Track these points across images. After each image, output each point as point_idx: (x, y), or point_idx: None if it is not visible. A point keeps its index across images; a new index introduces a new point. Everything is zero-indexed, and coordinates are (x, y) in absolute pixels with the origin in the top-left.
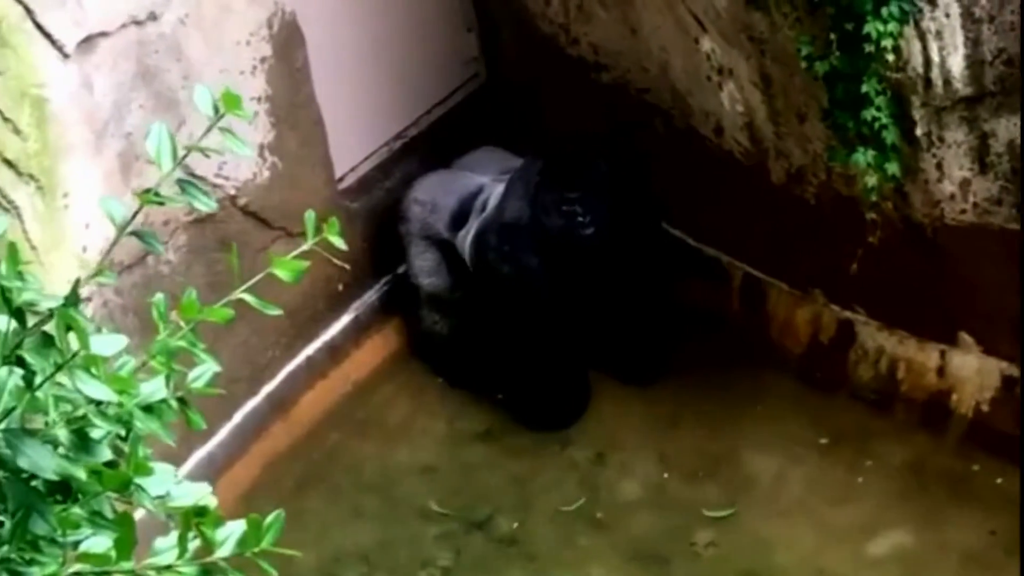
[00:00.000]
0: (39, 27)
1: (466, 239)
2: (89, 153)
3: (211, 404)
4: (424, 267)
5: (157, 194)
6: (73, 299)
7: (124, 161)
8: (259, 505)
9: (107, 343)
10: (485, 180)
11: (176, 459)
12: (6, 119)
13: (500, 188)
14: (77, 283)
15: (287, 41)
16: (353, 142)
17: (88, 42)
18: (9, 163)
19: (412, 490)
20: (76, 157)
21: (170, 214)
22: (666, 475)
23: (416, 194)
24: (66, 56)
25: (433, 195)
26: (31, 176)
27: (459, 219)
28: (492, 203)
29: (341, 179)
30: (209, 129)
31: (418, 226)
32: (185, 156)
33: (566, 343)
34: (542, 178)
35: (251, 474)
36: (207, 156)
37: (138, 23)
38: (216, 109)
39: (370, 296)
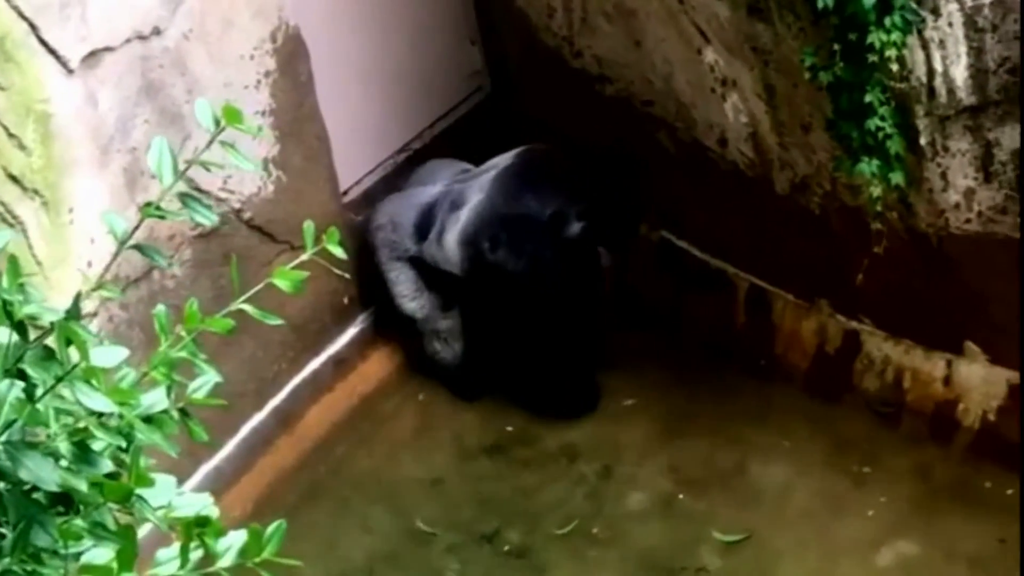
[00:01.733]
0: (43, 43)
1: (439, 243)
2: (94, 168)
3: (217, 418)
4: (405, 292)
5: (159, 208)
6: (74, 312)
7: (129, 176)
8: (266, 519)
9: (107, 355)
10: (438, 188)
11: (183, 474)
12: (11, 135)
13: (474, 184)
14: (78, 296)
15: (291, 55)
16: (357, 155)
17: (92, 57)
18: (14, 178)
19: (419, 503)
20: (81, 172)
21: (175, 228)
22: (673, 488)
23: (375, 221)
24: (70, 71)
25: (390, 215)
26: (36, 191)
27: (422, 230)
28: (475, 199)
29: (346, 192)
30: (210, 143)
31: (387, 250)
32: (186, 170)
33: (573, 335)
34: (538, 175)
35: (258, 488)
36: (208, 170)
37: (142, 38)
38: (217, 123)
39: (376, 309)
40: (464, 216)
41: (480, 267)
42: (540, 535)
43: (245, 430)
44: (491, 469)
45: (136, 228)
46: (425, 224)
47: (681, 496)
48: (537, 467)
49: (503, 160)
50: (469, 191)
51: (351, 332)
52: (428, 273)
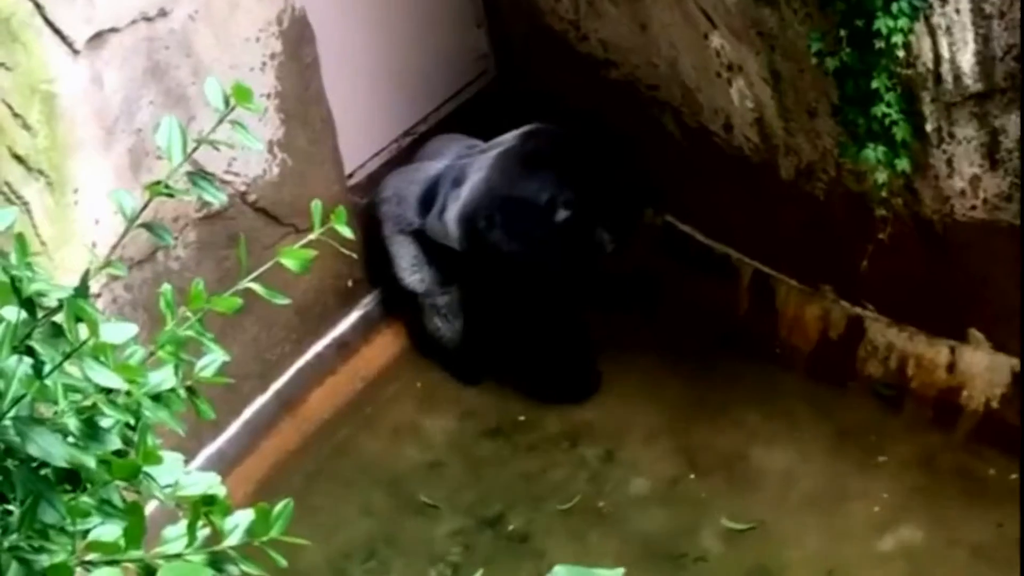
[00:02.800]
0: (49, 23)
1: (440, 218)
2: (99, 149)
3: (221, 400)
4: (406, 265)
5: (167, 186)
6: (83, 289)
7: (134, 157)
8: (268, 500)
9: (116, 331)
10: (444, 163)
11: (186, 455)
12: (16, 115)
13: (475, 162)
14: (87, 274)
15: (297, 37)
16: (363, 139)
17: (98, 38)
18: (19, 159)
19: (421, 487)
20: (86, 153)
21: (180, 210)
22: (676, 473)
23: (382, 195)
24: (76, 52)
25: (396, 189)
26: (41, 172)
27: (426, 204)
28: (475, 177)
29: (351, 176)
30: (220, 122)
31: (392, 223)
32: (195, 149)
33: (569, 319)
34: (539, 158)
35: (260, 470)
36: (217, 150)
37: (148, 19)
38: (227, 102)
39: (380, 293)
40: (464, 194)
41: (477, 245)
42: (542, 519)
43: (248, 412)
44: (493, 453)
45: (145, 207)
46: (429, 199)
47: (684, 481)
48: (539, 451)
49: (508, 139)
50: (470, 169)
51: (355, 315)
52: (431, 248)
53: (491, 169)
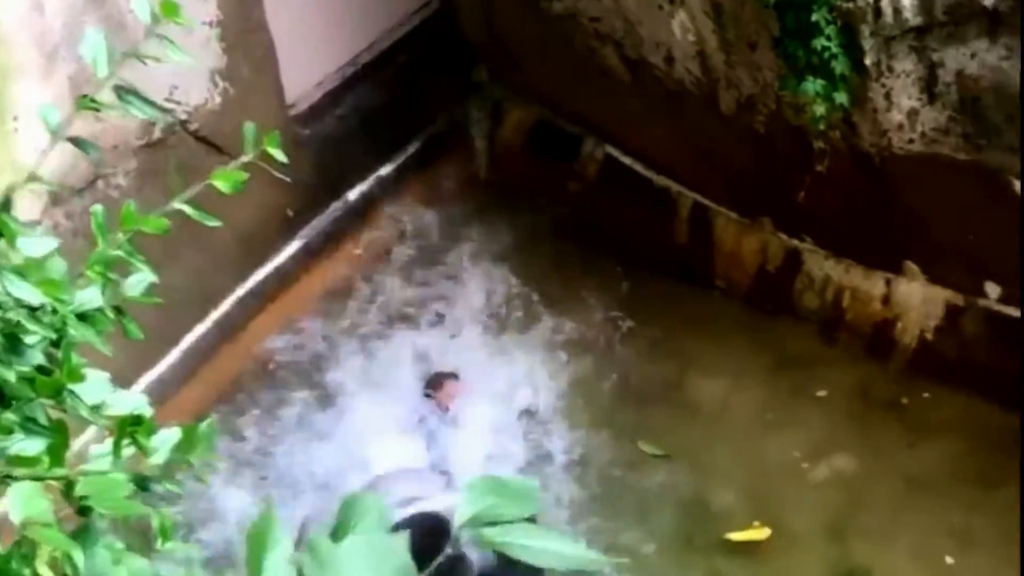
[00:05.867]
0: None
1: None
2: (39, 76)
3: (160, 328)
4: None
5: (93, 100)
6: (5, 204)
7: (75, 84)
8: None
9: (35, 244)
10: None
11: (125, 382)
12: None
13: None
14: (11, 187)
15: None
16: (304, 68)
17: None
18: None
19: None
20: (26, 79)
21: (119, 138)
22: (612, 400)
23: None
24: None
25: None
26: None
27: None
28: None
29: (292, 105)
30: (148, 36)
31: None
32: (122, 61)
33: None
34: None
35: (200, 397)
36: (144, 63)
37: None
38: (156, 18)
39: (320, 222)
40: None
41: None
42: None
43: (188, 341)
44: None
45: (70, 119)
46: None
47: (619, 408)
48: None
49: None
50: None
51: (295, 245)
52: None
53: None
